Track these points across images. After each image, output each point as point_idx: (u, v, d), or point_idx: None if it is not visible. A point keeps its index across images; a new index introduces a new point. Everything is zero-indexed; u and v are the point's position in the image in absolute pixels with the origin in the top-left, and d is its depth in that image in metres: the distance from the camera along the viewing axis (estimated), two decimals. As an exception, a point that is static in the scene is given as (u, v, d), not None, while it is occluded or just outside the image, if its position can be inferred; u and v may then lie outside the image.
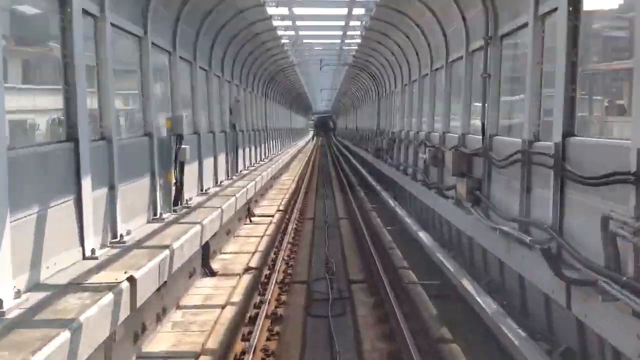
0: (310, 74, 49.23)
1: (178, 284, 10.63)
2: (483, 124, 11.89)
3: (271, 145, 39.29)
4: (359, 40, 29.03)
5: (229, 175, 21.07)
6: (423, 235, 15.07)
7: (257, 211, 22.62)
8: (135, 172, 10.97)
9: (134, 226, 10.57)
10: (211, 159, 18.24)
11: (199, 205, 14.21)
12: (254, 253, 15.49)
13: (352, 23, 24.03)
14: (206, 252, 13.19)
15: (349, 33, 29.70)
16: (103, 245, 9.01)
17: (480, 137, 12.00)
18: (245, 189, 18.22)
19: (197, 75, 16.87)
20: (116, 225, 9.57)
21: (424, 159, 18.10)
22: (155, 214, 11.85)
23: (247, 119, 27.78)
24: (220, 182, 18.80)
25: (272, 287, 12.42)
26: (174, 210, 12.89)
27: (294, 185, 32.21)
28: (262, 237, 17.61)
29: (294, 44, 32.78)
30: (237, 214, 17.53)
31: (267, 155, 35.62)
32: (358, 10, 22.12)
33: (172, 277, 9.54)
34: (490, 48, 11.81)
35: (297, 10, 23.56)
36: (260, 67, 30.18)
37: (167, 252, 8.96)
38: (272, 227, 19.29)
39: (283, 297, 12.10)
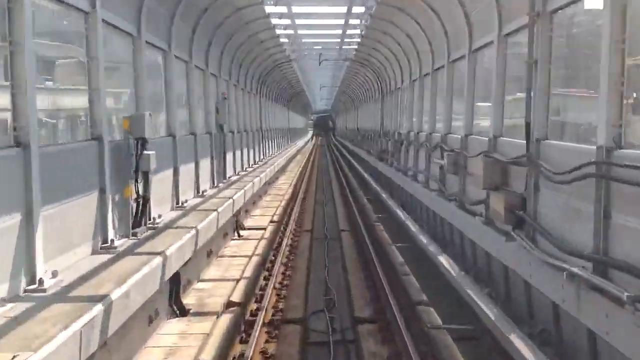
0: (308, 71, 46.60)
1: (127, 339, 7.95)
2: (528, 125, 9.24)
3: (267, 147, 36.69)
4: (360, 31, 26.44)
5: (215, 182, 18.41)
6: (445, 261, 12.40)
7: (247, 222, 19.97)
8: (73, 188, 8.32)
9: (68, 262, 7.92)
10: (191, 166, 15.60)
11: (170, 225, 11.57)
12: (238, 280, 12.79)
13: (355, 9, 21.36)
14: (175, 286, 10.52)
15: (351, 21, 27.16)
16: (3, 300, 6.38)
17: (524, 141, 9.36)
18: (231, 200, 15.57)
19: (174, 66, 14.24)
20: (34, 265, 6.91)
21: (441, 165, 15.48)
22: (104, 241, 9.20)
23: (238, 119, 25.13)
24: (203, 192, 16.14)
25: (258, 331, 9.79)
26: (134, 234, 10.24)
27: (290, 190, 29.54)
28: (250, 257, 14.94)
29: (290, 39, 30.25)
30: (221, 230, 14.89)
31: (262, 157, 32.99)
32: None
33: (112, 337, 6.88)
34: (539, 27, 9.16)
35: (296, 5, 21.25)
36: (254, 62, 27.52)
37: (99, 307, 6.30)
38: (263, 244, 16.62)
39: (271, 348, 9.46)
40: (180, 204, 13.84)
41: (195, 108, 16.17)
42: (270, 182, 29.65)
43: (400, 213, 19.91)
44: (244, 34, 22.22)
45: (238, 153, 24.01)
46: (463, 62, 14.55)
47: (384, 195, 23.67)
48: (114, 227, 9.53)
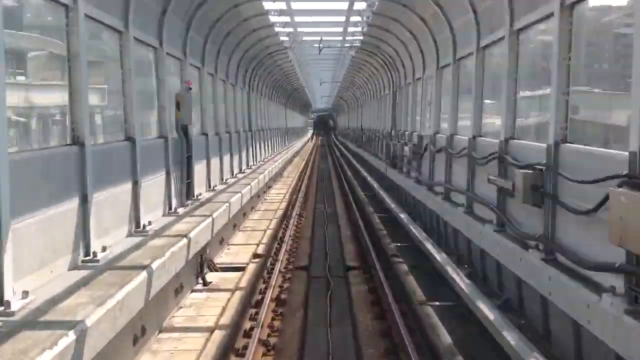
0: (307, 65, 41.42)
1: None
2: None
3: (258, 151, 31.51)
4: (367, 17, 21.37)
5: (172, 207, 13.18)
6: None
7: (221, 259, 14.79)
8: None
9: None
10: (125, 187, 10.38)
11: (34, 318, 6.39)
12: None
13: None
14: None
15: (356, 5, 22.22)
16: None
17: None
18: (184, 240, 10.36)
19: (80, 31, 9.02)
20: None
21: (500, 186, 10.27)
22: None
23: (217, 118, 19.92)
24: (144, 227, 10.88)
25: None
26: None
27: (284, 205, 24.30)
28: (212, 331, 9.72)
29: (286, 26, 25.15)
30: (165, 291, 9.70)
31: (251, 164, 27.80)
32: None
33: None
34: None
35: None
36: (239, 47, 22.29)
37: None
38: (237, 300, 11.39)
39: None
40: (90, 255, 8.55)
41: (131, 101, 10.89)
42: (259, 194, 24.45)
43: (433, 250, 14.21)
44: (224, 5, 17.04)
45: (216, 161, 18.79)
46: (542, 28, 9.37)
47: (402, 217, 18.38)
48: None
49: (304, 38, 29.35)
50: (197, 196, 15.20)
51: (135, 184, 10.59)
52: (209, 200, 15.55)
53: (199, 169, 16.09)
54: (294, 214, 22.24)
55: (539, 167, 8.68)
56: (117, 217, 9.88)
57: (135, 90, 10.96)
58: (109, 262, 8.44)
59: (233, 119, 23.31)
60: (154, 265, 8.30)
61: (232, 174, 21.69)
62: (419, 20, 17.43)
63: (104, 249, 8.67)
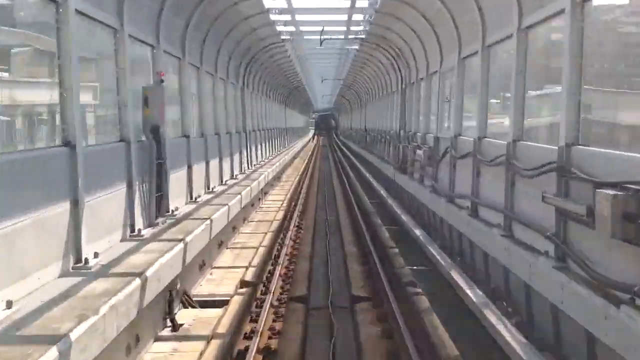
0: (307, 59, 38.81)
1: None
2: None
3: (254, 153, 28.92)
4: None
5: (133, 230, 10.51)
6: None
7: (201, 287, 12.17)
8: None
9: None
10: (56, 210, 7.73)
11: None
12: None
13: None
14: None
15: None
16: None
17: None
18: (136, 281, 7.71)
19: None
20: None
21: (560, 205, 7.64)
22: None
23: (202, 117, 17.32)
24: (85, 262, 8.16)
25: None
26: None
27: (281, 214, 21.67)
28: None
29: (284, 13, 22.56)
30: (110, 348, 7.06)
31: (248, 166, 25.23)
32: None
33: None
34: None
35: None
36: (230, 36, 19.68)
37: None
38: (212, 353, 8.75)
39: None
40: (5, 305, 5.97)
41: (73, 96, 8.23)
42: (254, 202, 21.83)
43: (462, 283, 11.61)
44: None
45: (200, 167, 16.20)
46: None
47: (417, 233, 15.74)
48: None
49: (303, 28, 26.77)
50: (172, 211, 12.58)
51: (76, 205, 7.95)
52: (187, 215, 12.92)
53: (177, 177, 13.48)
54: (291, 226, 19.59)
55: (635, 186, 6.04)
56: (44, 251, 7.25)
57: (79, 83, 8.35)
58: (9, 328, 5.80)
59: (223, 119, 20.70)
60: (75, 334, 5.65)
61: (222, 182, 19.07)
62: (438, 2, 14.79)
63: (8, 304, 6.04)
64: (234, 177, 21.91)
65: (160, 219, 11.67)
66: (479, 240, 11.49)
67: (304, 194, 28.83)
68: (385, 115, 31.70)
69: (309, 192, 30.74)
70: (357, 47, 28.14)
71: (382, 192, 25.53)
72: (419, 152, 18.51)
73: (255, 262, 14.37)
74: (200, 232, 11.50)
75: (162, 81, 11.47)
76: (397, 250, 15.95)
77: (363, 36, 24.07)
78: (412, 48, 20.82)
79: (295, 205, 25.32)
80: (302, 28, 26.35)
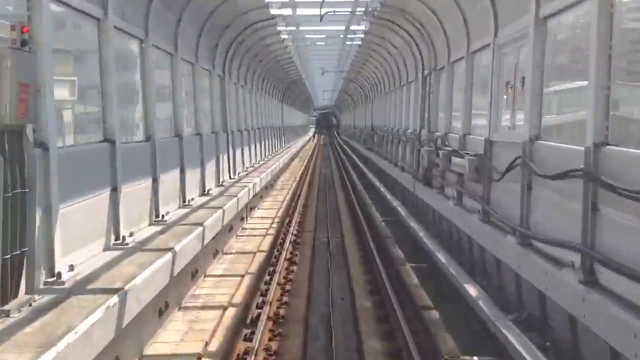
0: (306, 48, 33.61)
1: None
2: None
3: (245, 155, 23.84)
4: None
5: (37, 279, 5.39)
6: None
7: (170, 335, 7.05)
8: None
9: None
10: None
11: None
12: None
13: None
14: None
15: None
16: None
17: None
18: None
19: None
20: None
21: None
22: None
23: (147, 111, 12.04)
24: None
25: None
26: None
27: (268, 242, 16.41)
28: None
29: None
30: None
31: (233, 174, 20.10)
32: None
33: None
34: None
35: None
36: (213, 16, 14.47)
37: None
38: None
39: None
40: None
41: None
42: (234, 224, 16.59)
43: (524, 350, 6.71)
44: None
45: (168, 177, 11.04)
46: None
47: (472, 294, 10.30)
48: None
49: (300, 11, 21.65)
50: (131, 235, 7.36)
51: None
52: (163, 233, 7.73)
53: (139, 190, 8.27)
54: (281, 260, 14.39)
55: None
56: None
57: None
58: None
59: (191, 116, 15.51)
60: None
61: (184, 202, 13.71)
62: None
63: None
64: (222, 183, 16.92)
65: (127, 242, 6.44)
66: (541, 284, 6.23)
67: (300, 206, 23.55)
68: (397, 111, 26.47)
69: (307, 202, 25.48)
70: (364, 27, 22.85)
71: (399, 207, 20.33)
72: (456, 160, 13.28)
73: (236, 299, 9.28)
74: (168, 260, 6.38)
75: (25, 42, 6.18)
76: (435, 314, 10.59)
77: (376, 9, 18.67)
78: (441, 20, 15.56)
79: (290, 221, 20.14)
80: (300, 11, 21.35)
